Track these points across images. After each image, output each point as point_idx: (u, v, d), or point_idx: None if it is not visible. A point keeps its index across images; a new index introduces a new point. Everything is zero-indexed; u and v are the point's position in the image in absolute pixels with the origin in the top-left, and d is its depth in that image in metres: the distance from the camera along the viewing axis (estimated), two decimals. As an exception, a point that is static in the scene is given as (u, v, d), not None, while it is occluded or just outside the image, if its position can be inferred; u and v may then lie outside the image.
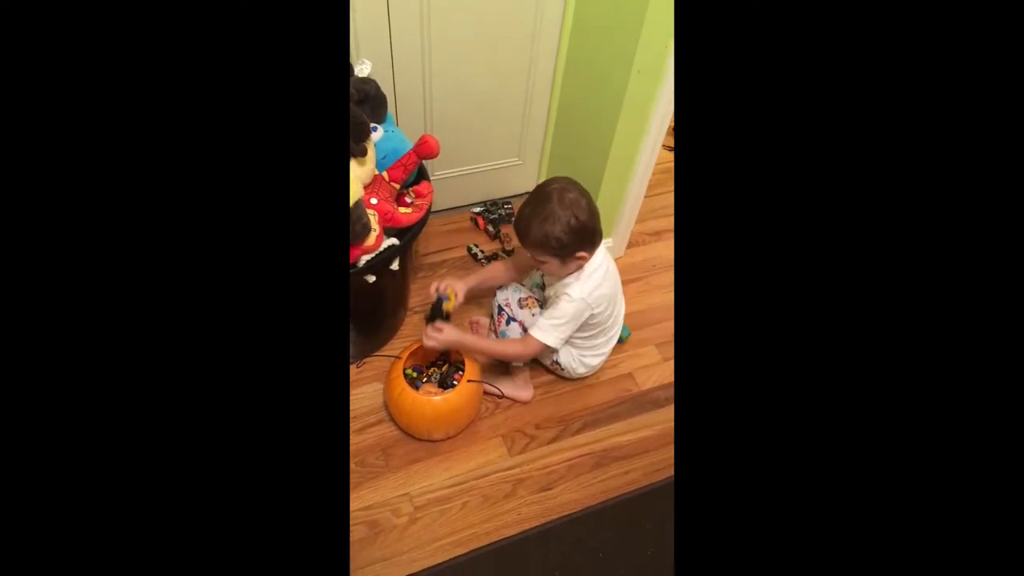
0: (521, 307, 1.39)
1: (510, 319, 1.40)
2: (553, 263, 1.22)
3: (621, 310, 1.39)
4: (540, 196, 1.19)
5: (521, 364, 1.41)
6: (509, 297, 1.40)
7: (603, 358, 1.44)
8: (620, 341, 1.50)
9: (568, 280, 1.26)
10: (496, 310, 1.43)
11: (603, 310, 1.28)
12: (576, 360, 1.41)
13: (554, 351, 1.36)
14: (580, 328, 1.29)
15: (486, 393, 1.41)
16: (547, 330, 1.26)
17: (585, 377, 1.48)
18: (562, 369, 1.43)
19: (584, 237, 1.18)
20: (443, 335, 1.24)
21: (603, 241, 1.27)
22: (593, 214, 1.19)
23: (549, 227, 1.15)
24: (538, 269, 1.26)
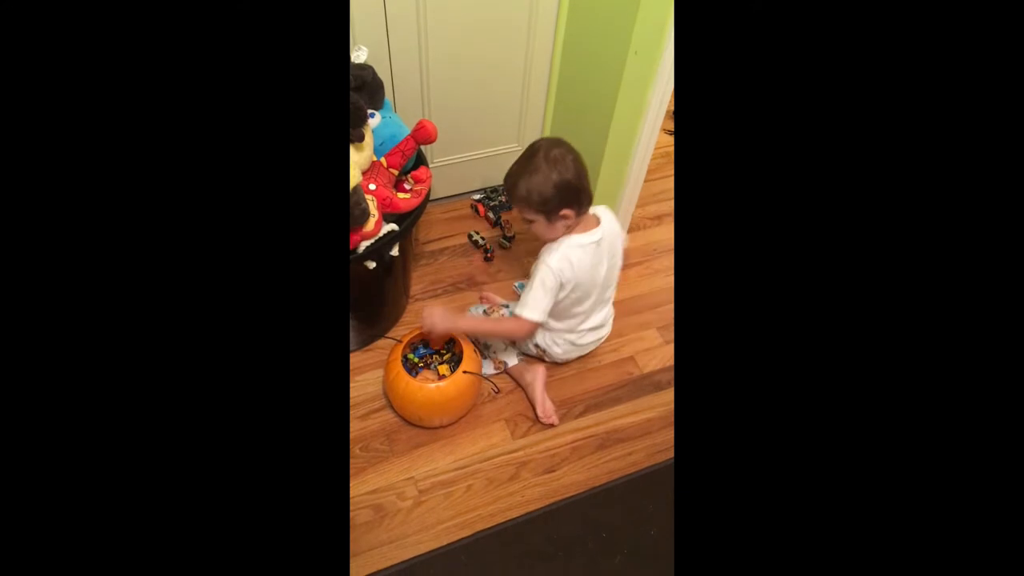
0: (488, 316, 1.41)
1: None
2: (540, 221, 1.22)
3: (594, 301, 1.33)
4: (528, 153, 1.20)
5: (503, 346, 1.42)
6: (473, 314, 1.42)
7: (576, 343, 1.40)
8: None
9: (552, 247, 1.25)
10: None
11: (566, 289, 1.24)
12: (549, 340, 1.40)
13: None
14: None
15: (486, 378, 1.41)
16: (528, 304, 1.23)
17: (564, 361, 1.47)
18: (542, 351, 1.43)
19: (568, 194, 1.17)
20: (433, 318, 1.24)
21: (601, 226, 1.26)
22: (579, 173, 1.18)
23: (534, 182, 1.16)
24: (529, 228, 1.26)
